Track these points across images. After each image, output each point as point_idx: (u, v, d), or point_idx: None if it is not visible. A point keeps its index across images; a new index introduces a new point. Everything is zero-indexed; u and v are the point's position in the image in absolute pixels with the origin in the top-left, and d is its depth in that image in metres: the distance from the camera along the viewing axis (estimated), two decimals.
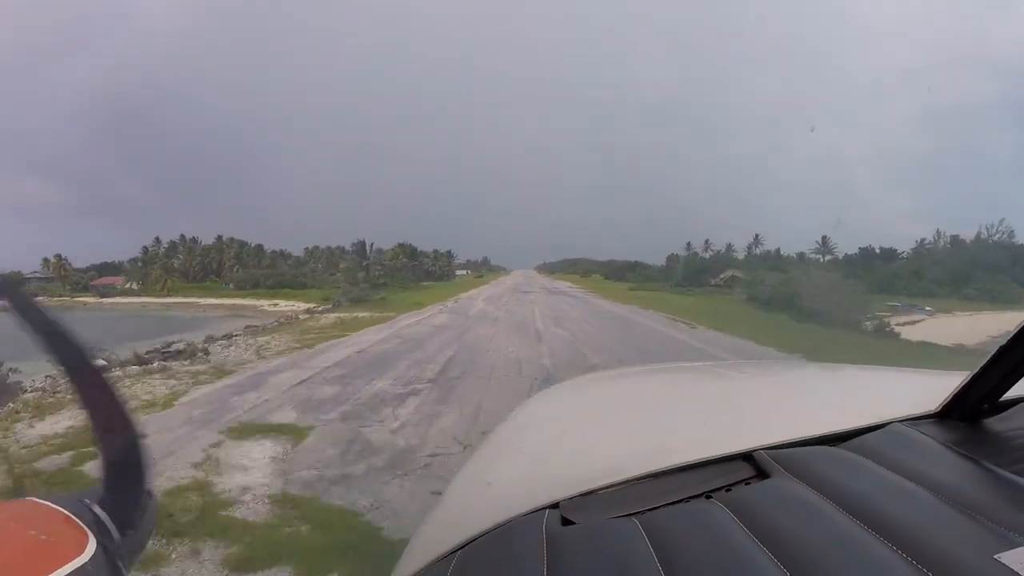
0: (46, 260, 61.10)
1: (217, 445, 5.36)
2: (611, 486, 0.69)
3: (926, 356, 15.40)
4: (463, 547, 0.63)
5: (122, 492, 0.62)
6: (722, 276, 50.39)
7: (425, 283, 61.19)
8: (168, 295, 51.99)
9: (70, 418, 6.34)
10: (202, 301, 46.11)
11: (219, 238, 64.16)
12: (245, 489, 4.29)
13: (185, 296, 50.40)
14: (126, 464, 0.59)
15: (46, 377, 8.96)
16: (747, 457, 0.70)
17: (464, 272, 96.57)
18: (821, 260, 51.30)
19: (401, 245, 72.73)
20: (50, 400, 7.69)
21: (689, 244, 65.01)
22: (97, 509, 0.54)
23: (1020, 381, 0.64)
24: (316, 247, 70.69)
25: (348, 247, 70.17)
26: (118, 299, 52.52)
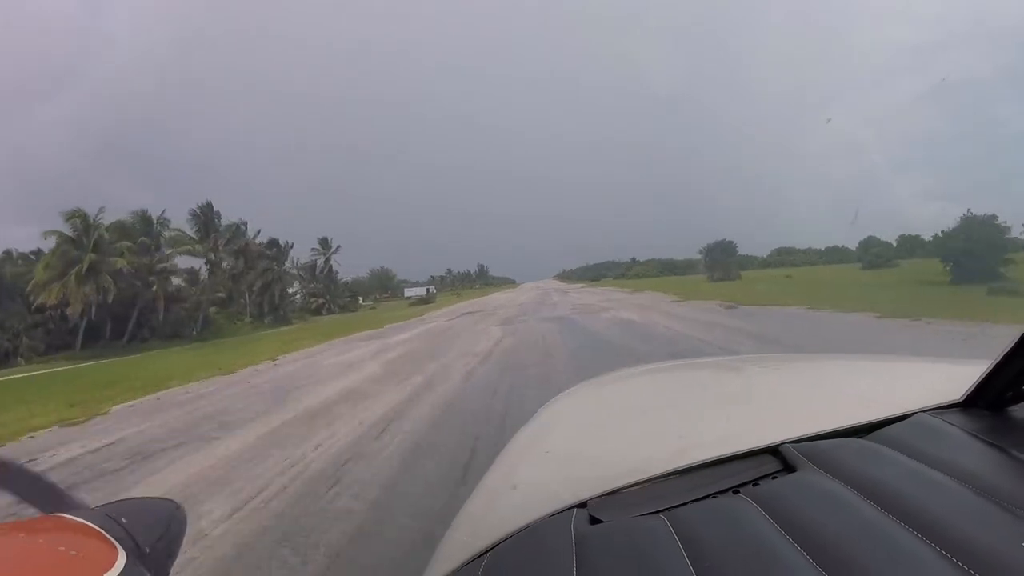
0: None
1: None
2: (637, 484, 0.70)
3: None
4: (491, 549, 0.64)
5: (148, 504, 0.63)
6: None
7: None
8: None
9: None
10: None
11: None
12: None
13: None
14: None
15: None
16: (773, 451, 0.70)
17: (419, 292, 61.93)
18: None
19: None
20: None
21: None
22: (124, 522, 0.55)
23: None
24: None
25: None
26: None
